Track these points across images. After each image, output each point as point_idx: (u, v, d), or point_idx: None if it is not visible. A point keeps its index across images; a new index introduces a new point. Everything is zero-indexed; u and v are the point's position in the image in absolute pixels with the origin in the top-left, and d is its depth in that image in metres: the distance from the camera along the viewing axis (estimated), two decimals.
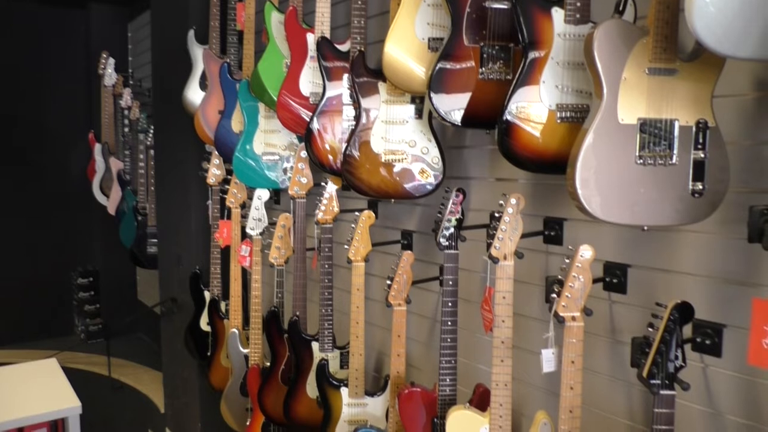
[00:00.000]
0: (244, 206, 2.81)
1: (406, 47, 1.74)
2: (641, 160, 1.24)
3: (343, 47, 2.10)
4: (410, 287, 1.93)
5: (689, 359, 1.29)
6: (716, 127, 1.24)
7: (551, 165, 1.43)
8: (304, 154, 2.34)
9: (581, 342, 1.41)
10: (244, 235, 2.73)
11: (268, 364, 2.56)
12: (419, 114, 1.90)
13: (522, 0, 1.39)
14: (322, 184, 2.26)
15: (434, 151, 1.89)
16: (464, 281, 1.90)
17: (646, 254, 1.50)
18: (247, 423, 2.64)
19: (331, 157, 2.12)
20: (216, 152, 2.87)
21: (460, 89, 1.60)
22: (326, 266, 2.24)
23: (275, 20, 2.37)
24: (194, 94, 3.00)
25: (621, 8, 1.34)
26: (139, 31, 4.92)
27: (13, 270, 4.94)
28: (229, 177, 2.85)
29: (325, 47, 2.08)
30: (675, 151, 1.24)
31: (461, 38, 1.59)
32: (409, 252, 1.91)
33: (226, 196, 2.85)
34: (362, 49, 1.97)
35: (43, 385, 1.58)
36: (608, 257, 1.58)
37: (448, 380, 1.77)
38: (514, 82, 1.42)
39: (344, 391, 2.13)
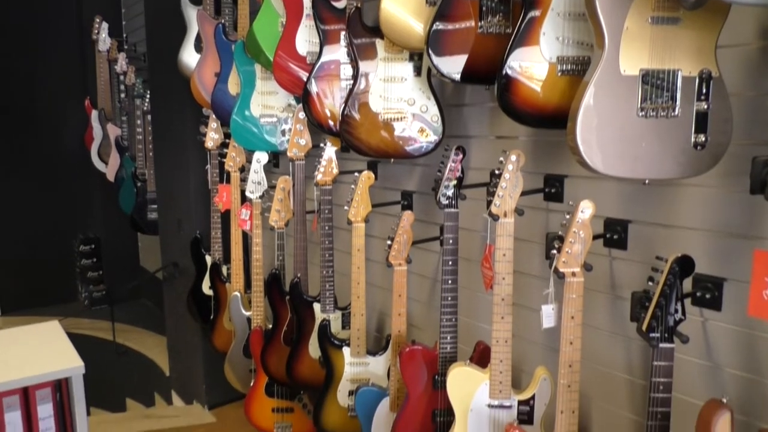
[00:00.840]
0: (243, 170, 2.79)
1: (404, 2, 1.70)
2: (643, 112, 1.22)
3: (340, 4, 2.05)
4: (410, 247, 1.93)
5: (689, 314, 1.30)
6: (720, 77, 1.22)
7: (552, 120, 1.41)
8: (302, 115, 2.31)
9: (581, 298, 1.42)
10: (244, 199, 2.72)
11: (270, 326, 2.58)
12: (418, 71, 1.87)
13: None
14: (321, 145, 2.24)
15: (433, 110, 1.87)
16: (465, 241, 1.89)
17: (647, 209, 1.50)
18: (251, 384, 2.67)
19: (330, 119, 2.09)
20: (213, 116, 2.84)
21: (460, 46, 1.57)
22: (326, 228, 2.24)
23: None
24: (189, 56, 2.95)
25: None
26: None
27: (15, 239, 4.94)
28: (227, 141, 2.83)
29: (321, 5, 2.04)
30: (677, 103, 1.21)
31: None
32: (409, 212, 1.90)
33: (224, 160, 2.83)
34: (359, 5, 1.92)
35: (45, 346, 1.59)
36: (609, 213, 1.57)
37: (448, 338, 1.78)
38: (514, 35, 1.39)
39: (346, 350, 2.15)
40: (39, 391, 1.49)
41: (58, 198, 5.11)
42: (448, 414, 1.74)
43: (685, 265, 1.23)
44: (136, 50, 4.29)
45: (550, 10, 1.37)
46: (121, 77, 4.14)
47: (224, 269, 3.00)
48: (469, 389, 1.63)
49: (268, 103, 2.51)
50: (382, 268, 2.35)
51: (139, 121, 3.91)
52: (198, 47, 2.92)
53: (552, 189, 1.69)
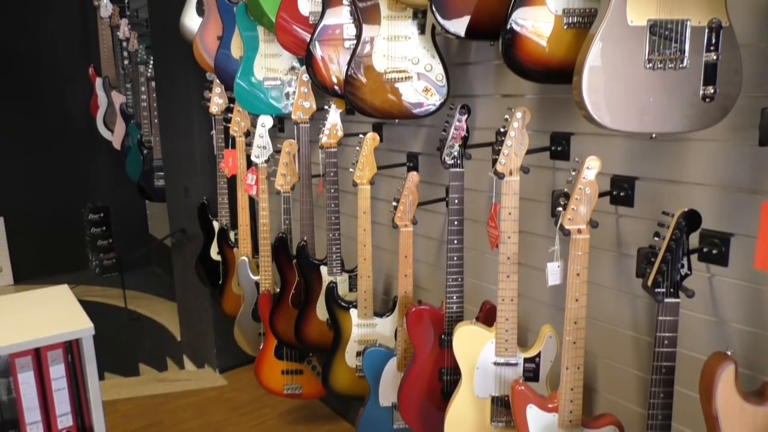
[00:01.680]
0: (248, 134, 2.79)
1: None
2: (651, 65, 1.20)
3: None
4: (416, 208, 1.93)
5: (695, 270, 1.29)
6: (730, 27, 1.19)
7: (558, 74, 1.39)
8: (306, 77, 2.29)
9: (586, 255, 1.41)
10: (250, 164, 2.71)
11: (278, 290, 2.60)
12: (422, 29, 1.83)
13: None
14: (326, 107, 2.22)
15: (438, 68, 1.84)
16: (470, 201, 1.88)
17: (655, 166, 1.48)
18: (260, 347, 2.71)
19: (334, 79, 2.07)
20: (217, 80, 2.82)
21: (464, 6, 1.54)
22: (332, 191, 2.24)
23: None
24: (191, 20, 2.91)
25: None
26: None
27: (25, 209, 4.98)
28: (231, 105, 2.81)
29: None
30: (686, 54, 1.19)
31: None
32: (415, 173, 1.90)
33: (229, 125, 2.82)
34: None
35: (55, 309, 1.61)
36: (616, 171, 1.55)
37: (455, 298, 1.79)
38: None
39: (353, 312, 2.16)
40: (50, 352, 1.51)
41: (66, 167, 5.12)
42: (455, 372, 1.76)
43: (691, 219, 1.22)
44: (138, 16, 4.24)
45: None
46: (124, 44, 4.11)
47: (232, 234, 3.01)
48: (475, 347, 1.64)
49: (271, 66, 2.49)
50: (388, 231, 2.35)
51: (143, 88, 3.89)
52: (200, 10, 2.88)
53: (558, 147, 1.67)
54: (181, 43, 2.97)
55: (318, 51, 2.04)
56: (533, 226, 1.79)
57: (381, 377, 2.07)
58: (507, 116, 1.52)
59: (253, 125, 2.65)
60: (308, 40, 2.07)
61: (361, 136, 2.04)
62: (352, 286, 2.31)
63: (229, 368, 3.50)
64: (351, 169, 2.07)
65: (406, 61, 1.83)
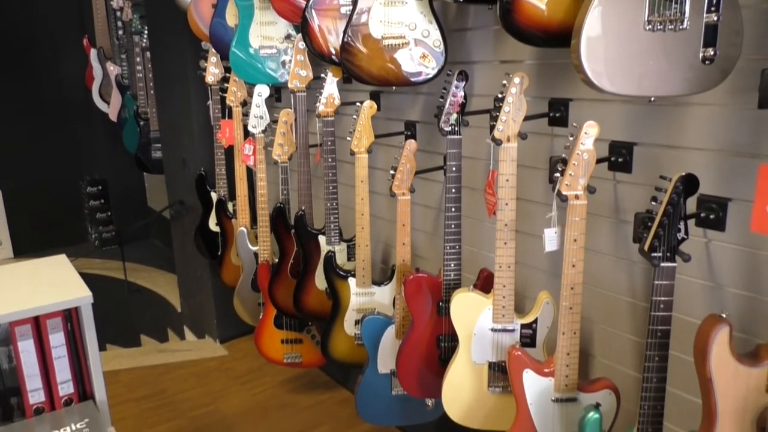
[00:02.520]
0: (245, 104, 2.76)
1: None
2: (650, 26, 1.18)
3: None
4: (414, 176, 1.92)
5: (692, 235, 1.29)
6: None
7: (557, 38, 1.37)
8: (302, 45, 2.26)
9: (584, 220, 1.41)
10: (247, 134, 2.70)
11: (277, 260, 2.60)
12: None
13: None
14: (322, 76, 2.20)
15: (435, 34, 1.81)
16: (468, 170, 1.88)
17: (653, 131, 1.47)
18: (260, 317, 2.73)
19: (332, 48, 2.04)
20: (213, 49, 2.78)
21: None
22: (329, 160, 2.23)
23: None
24: None
25: None
26: None
27: (23, 182, 4.97)
28: (228, 75, 2.78)
29: None
30: (686, 15, 1.17)
31: None
32: (413, 140, 1.88)
33: (226, 95, 2.79)
34: None
35: (53, 278, 1.61)
36: (614, 137, 1.54)
37: (452, 265, 1.79)
38: None
39: (352, 281, 2.17)
40: (50, 320, 1.52)
41: (63, 140, 5.10)
42: (452, 339, 1.78)
43: (689, 183, 1.22)
44: None
45: None
46: (118, 14, 4.05)
47: (230, 205, 3.01)
48: (472, 314, 1.65)
49: (267, 34, 2.46)
50: (386, 200, 2.35)
51: (138, 59, 3.85)
52: None
53: (557, 113, 1.66)
54: (175, 11, 2.92)
55: (314, 18, 2.01)
56: (531, 193, 1.78)
57: (379, 345, 2.08)
58: (505, 81, 1.50)
59: (250, 95, 2.63)
60: (304, 7, 2.04)
61: (358, 104, 2.02)
62: (351, 255, 2.32)
63: (229, 338, 3.53)
64: (348, 138, 2.06)
65: (403, 26, 1.81)
